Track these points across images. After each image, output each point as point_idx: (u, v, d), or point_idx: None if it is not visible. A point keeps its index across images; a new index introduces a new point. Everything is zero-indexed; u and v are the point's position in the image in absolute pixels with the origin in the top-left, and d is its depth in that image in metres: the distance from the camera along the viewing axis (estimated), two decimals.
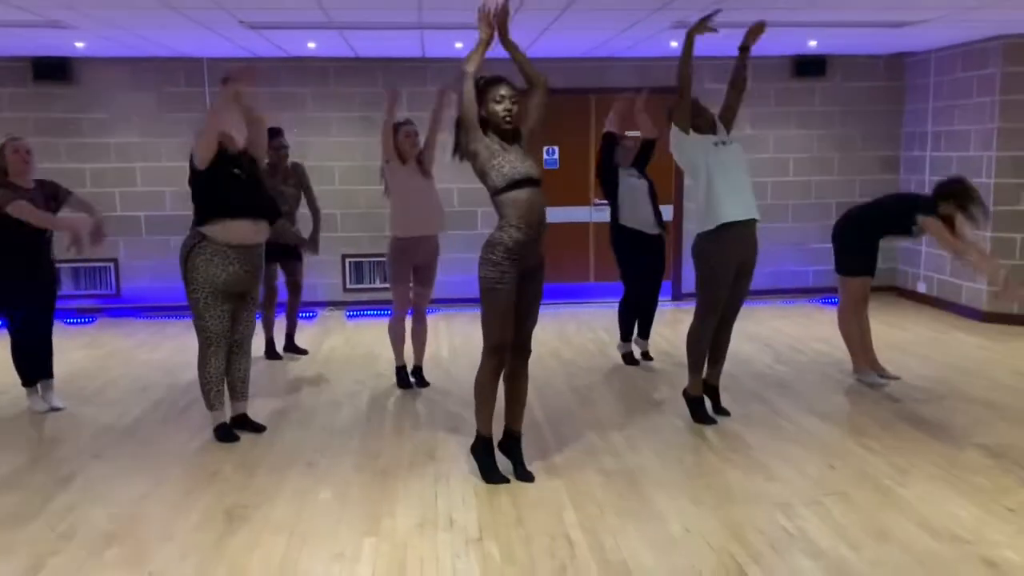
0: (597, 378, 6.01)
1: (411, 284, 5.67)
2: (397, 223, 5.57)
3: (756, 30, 4.87)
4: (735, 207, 4.67)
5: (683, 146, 4.78)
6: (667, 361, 6.41)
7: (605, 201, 6.30)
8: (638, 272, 6.18)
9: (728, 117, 4.94)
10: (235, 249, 4.49)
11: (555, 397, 5.47)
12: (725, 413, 5.01)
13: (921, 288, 8.66)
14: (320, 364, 6.51)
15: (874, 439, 4.60)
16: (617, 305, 6.41)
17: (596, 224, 9.25)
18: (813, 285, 9.16)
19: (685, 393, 5.01)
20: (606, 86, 8.79)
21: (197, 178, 4.48)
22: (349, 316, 8.42)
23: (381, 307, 8.44)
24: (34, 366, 5.32)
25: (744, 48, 4.90)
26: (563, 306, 8.43)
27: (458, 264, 7.94)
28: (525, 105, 3.97)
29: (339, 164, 8.56)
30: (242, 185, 4.51)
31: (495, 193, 3.85)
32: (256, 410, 5.06)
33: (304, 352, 6.80)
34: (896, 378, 5.72)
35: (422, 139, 5.67)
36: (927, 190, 8.49)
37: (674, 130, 4.80)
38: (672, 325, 7.75)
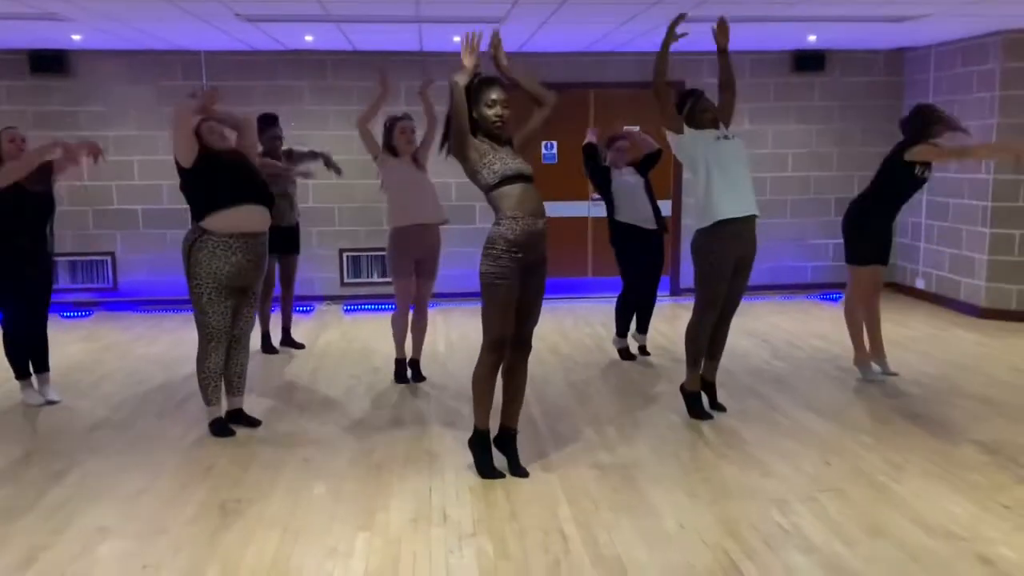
0: (593, 373, 6.00)
1: (413, 278, 5.64)
2: (395, 214, 5.55)
3: (722, 27, 4.83)
4: (734, 203, 4.65)
5: (681, 144, 4.77)
6: (664, 356, 6.40)
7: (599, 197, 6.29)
8: (637, 268, 6.17)
9: (725, 117, 4.92)
10: (238, 239, 4.46)
11: (551, 392, 5.46)
12: (721, 409, 5.00)
13: (920, 284, 8.65)
14: (316, 358, 6.50)
15: (870, 435, 4.59)
16: (615, 300, 6.40)
17: (594, 219, 9.23)
18: (812, 281, 9.15)
19: (682, 388, 5.00)
20: (605, 80, 8.78)
21: (187, 177, 4.48)
22: (346, 310, 8.41)
23: (378, 301, 8.43)
24: (28, 359, 5.30)
25: (722, 50, 4.85)
26: (561, 301, 8.41)
27: (456, 258, 7.93)
28: (529, 114, 4.00)
29: (336, 158, 8.48)
30: (234, 174, 4.50)
31: (488, 190, 3.86)
32: (251, 404, 5.05)
33: (301, 346, 6.79)
34: (894, 374, 5.72)
35: (419, 136, 5.65)
36: (925, 185, 8.50)
37: (669, 135, 4.79)
38: (670, 320, 7.74)
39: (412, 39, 7.62)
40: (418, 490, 3.89)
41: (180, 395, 5.49)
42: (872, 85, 8.94)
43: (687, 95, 4.91)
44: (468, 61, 3.82)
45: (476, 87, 3.88)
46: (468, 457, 4.14)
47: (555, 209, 7.47)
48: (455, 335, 7.09)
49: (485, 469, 4.03)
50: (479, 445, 4.08)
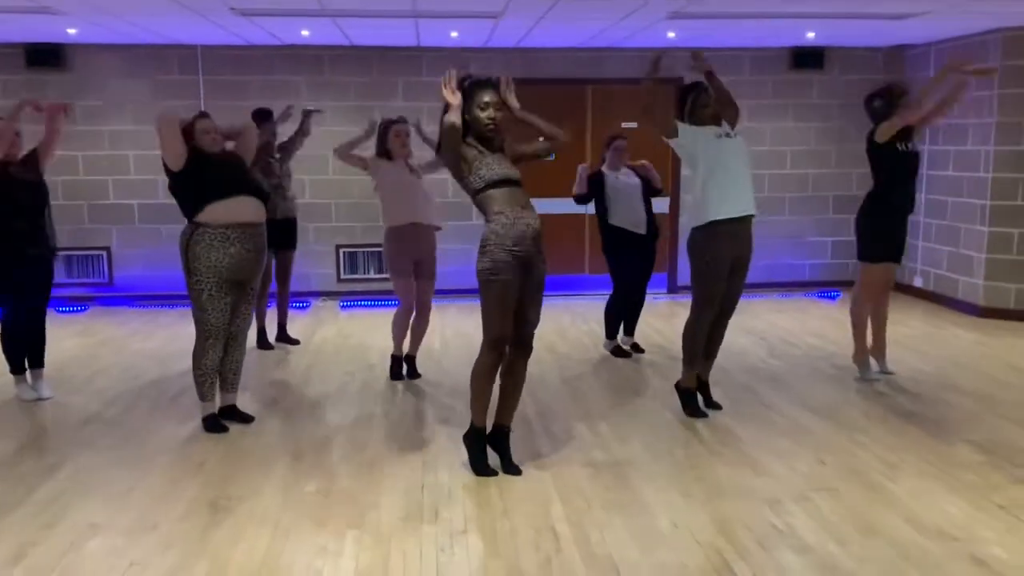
0: (589, 371, 5.98)
1: (413, 277, 5.59)
2: (389, 213, 5.52)
3: (697, 57, 4.77)
4: (731, 203, 4.62)
5: (680, 142, 4.73)
6: (660, 354, 6.38)
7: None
8: (628, 273, 6.17)
9: (730, 123, 4.85)
10: (234, 229, 4.43)
11: (546, 390, 5.44)
12: (717, 407, 4.98)
13: (918, 283, 8.62)
14: (311, 355, 6.48)
15: (865, 434, 4.57)
16: (606, 302, 6.40)
17: (591, 216, 9.16)
18: (809, 279, 9.14)
19: (677, 385, 4.98)
20: (603, 77, 8.75)
21: (176, 179, 4.47)
22: (343, 307, 8.39)
23: (375, 298, 8.42)
24: (24, 354, 5.28)
25: (707, 75, 4.77)
26: (557, 298, 8.38)
27: (452, 255, 7.91)
28: (534, 136, 4.03)
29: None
30: (224, 172, 4.49)
31: (474, 194, 3.88)
32: (245, 400, 5.03)
33: (296, 342, 6.77)
34: (891, 373, 5.70)
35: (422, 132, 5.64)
36: (924, 184, 8.48)
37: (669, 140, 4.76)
38: (667, 318, 7.72)
39: (409, 34, 7.60)
40: (410, 488, 3.87)
41: (174, 391, 5.47)
42: (871, 83, 8.79)
43: (688, 89, 4.87)
44: (453, 99, 3.80)
45: (469, 89, 3.87)
46: (461, 455, 4.13)
47: (552, 206, 7.48)
48: (450, 332, 7.07)
49: (479, 466, 4.01)
50: (474, 442, 4.06)
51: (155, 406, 5.18)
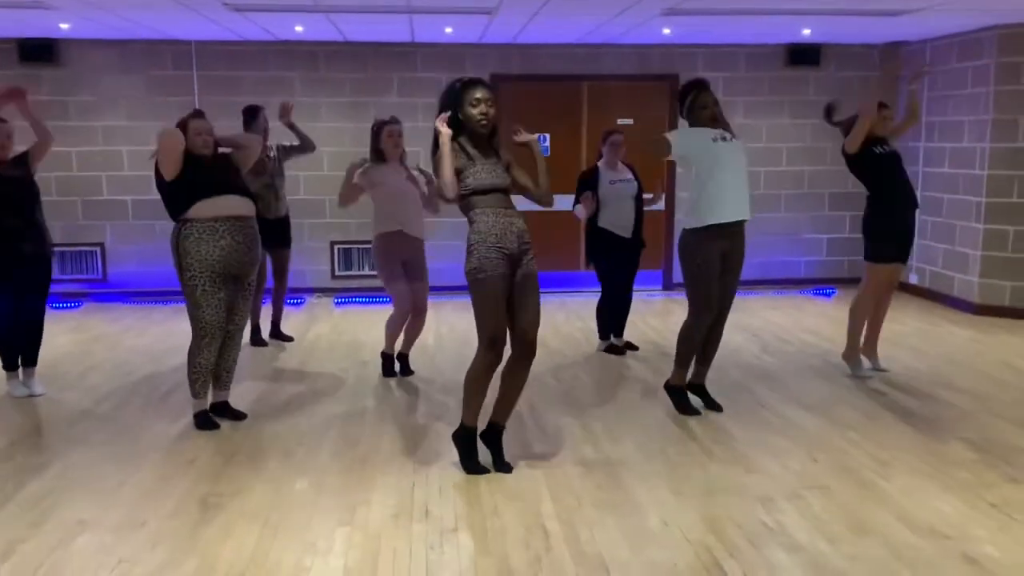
0: (583, 368, 5.97)
1: (405, 281, 5.53)
2: (378, 220, 5.46)
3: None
4: (726, 208, 4.59)
5: (675, 154, 4.70)
6: (654, 351, 6.37)
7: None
8: (616, 275, 6.18)
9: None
10: (223, 222, 4.42)
11: (539, 387, 5.42)
12: (718, 408, 4.92)
13: (913, 280, 8.61)
14: (305, 351, 6.46)
15: (858, 431, 4.56)
16: (596, 304, 6.42)
17: None
18: (804, 276, 9.13)
19: (667, 385, 4.95)
20: (600, 73, 8.73)
21: (167, 185, 4.45)
22: (337, 303, 8.37)
23: (370, 294, 8.40)
24: (17, 352, 5.26)
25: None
26: (552, 295, 8.36)
27: (446, 251, 7.89)
28: (525, 170, 4.02)
29: (328, 150, 8.44)
30: (215, 171, 4.47)
31: (459, 199, 3.87)
32: (237, 397, 5.01)
33: (289, 339, 6.75)
34: (884, 370, 5.69)
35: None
36: (920, 181, 8.47)
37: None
38: (662, 316, 7.71)
39: (403, 30, 7.57)
40: (401, 485, 3.86)
41: (166, 387, 5.45)
42: (867, 80, 8.87)
43: (689, 88, 4.78)
44: (445, 128, 3.78)
45: (460, 89, 3.85)
46: (453, 453, 4.11)
47: None
48: (444, 329, 7.05)
49: (470, 465, 4.00)
50: (465, 441, 4.04)
51: (147, 403, 5.16)
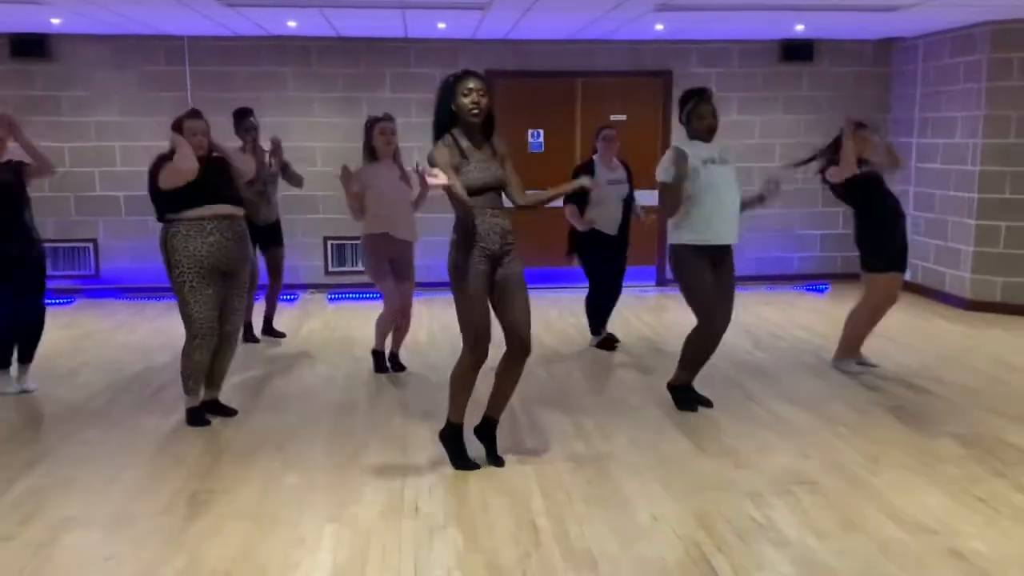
0: (575, 364, 5.97)
1: (393, 278, 5.53)
2: (367, 219, 5.43)
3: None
4: (710, 232, 4.59)
5: (662, 165, 4.70)
6: (647, 347, 6.37)
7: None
8: (603, 271, 6.20)
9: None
10: (210, 221, 4.43)
11: (531, 383, 5.41)
12: (708, 404, 4.92)
13: (905, 275, 8.61)
14: (297, 348, 6.46)
15: (849, 427, 4.57)
16: (584, 301, 6.43)
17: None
18: (798, 271, 9.14)
19: (671, 385, 4.94)
20: (593, 69, 8.72)
21: (161, 192, 4.45)
22: (331, 299, 8.36)
23: (363, 290, 8.38)
24: (11, 350, 5.24)
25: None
26: (546, 291, 8.37)
27: (439, 247, 7.79)
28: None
29: (320, 145, 8.47)
30: (209, 173, 4.47)
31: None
32: (229, 394, 5.00)
33: (282, 335, 6.75)
34: (875, 366, 5.70)
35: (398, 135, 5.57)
36: (913, 176, 8.48)
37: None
38: (655, 312, 7.72)
39: (396, 25, 7.55)
40: (391, 481, 3.86)
41: (157, 384, 5.44)
42: (860, 75, 8.91)
43: (689, 96, 4.74)
44: (441, 180, 3.62)
45: (452, 82, 3.84)
46: (443, 449, 4.11)
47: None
48: (437, 325, 7.04)
49: (459, 461, 4.01)
50: (452, 438, 4.04)
51: (138, 399, 5.16)
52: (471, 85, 3.82)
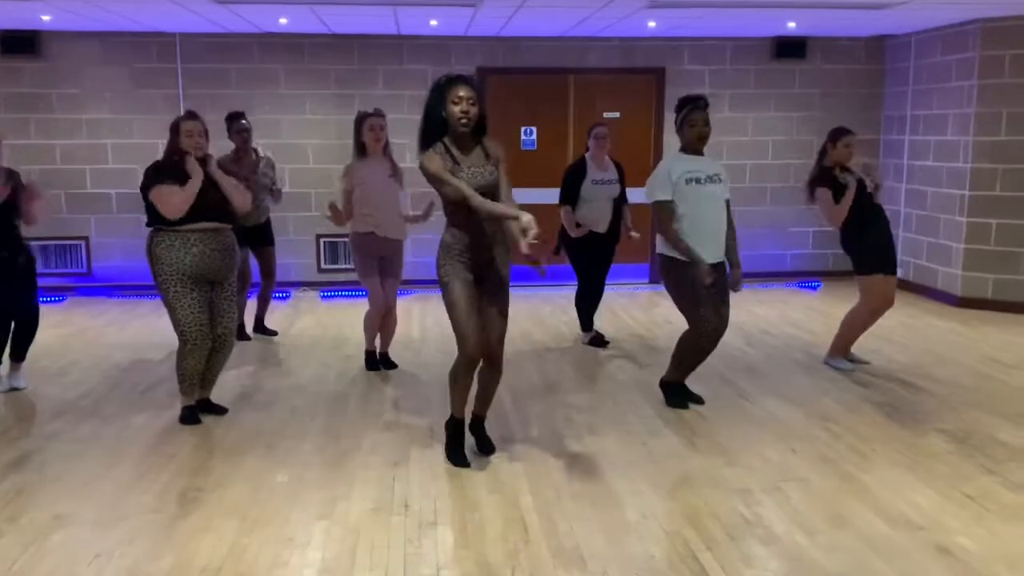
0: (566, 361, 5.97)
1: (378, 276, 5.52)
2: (356, 218, 5.41)
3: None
4: (700, 250, 4.55)
5: (662, 196, 4.67)
6: (639, 344, 6.38)
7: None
8: (589, 266, 6.21)
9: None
10: (195, 232, 4.43)
11: (523, 380, 5.43)
12: (699, 401, 4.93)
13: (897, 273, 8.63)
14: (289, 346, 6.45)
15: (838, 424, 4.59)
16: (574, 298, 6.45)
17: None
18: (790, 269, 9.15)
19: (663, 383, 4.95)
20: (586, 66, 8.72)
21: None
22: (323, 296, 8.35)
23: (355, 288, 8.37)
24: (3, 348, 5.22)
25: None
26: (538, 288, 8.37)
27: (432, 245, 7.85)
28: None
29: (313, 142, 8.46)
30: (203, 198, 4.45)
31: (444, 202, 3.88)
32: (220, 392, 4.98)
33: (274, 333, 6.73)
34: (865, 363, 5.72)
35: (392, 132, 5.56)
36: (905, 174, 8.51)
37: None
38: (647, 309, 7.72)
39: (388, 22, 7.54)
40: (382, 479, 3.86)
41: (147, 382, 5.43)
42: (853, 73, 8.92)
43: (684, 103, 4.68)
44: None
45: (443, 85, 3.83)
46: (435, 447, 4.13)
47: (533, 196, 7.44)
48: (430, 322, 7.04)
49: (454, 456, 4.03)
50: (452, 430, 4.10)
51: (128, 397, 5.14)
52: (461, 93, 3.80)
